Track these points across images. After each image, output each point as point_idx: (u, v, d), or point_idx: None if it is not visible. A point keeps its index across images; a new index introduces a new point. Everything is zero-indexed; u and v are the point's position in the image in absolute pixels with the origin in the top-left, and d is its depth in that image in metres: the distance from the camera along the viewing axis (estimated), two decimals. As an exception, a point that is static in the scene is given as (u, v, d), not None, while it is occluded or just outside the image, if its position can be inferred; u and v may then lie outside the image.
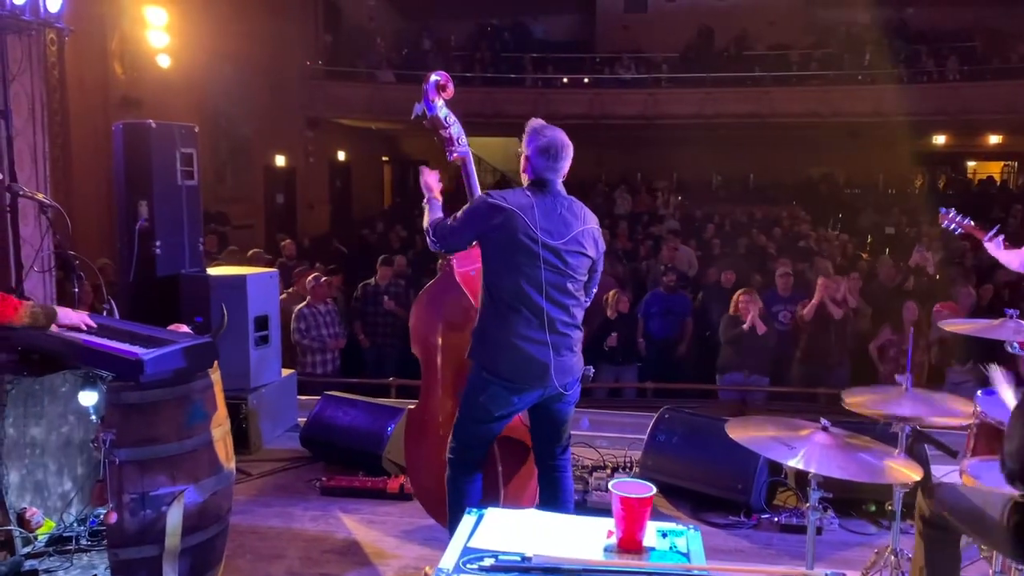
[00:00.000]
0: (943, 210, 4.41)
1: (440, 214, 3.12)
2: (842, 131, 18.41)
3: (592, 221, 3.07)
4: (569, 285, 2.97)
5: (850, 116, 17.15)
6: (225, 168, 13.62)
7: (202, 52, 11.16)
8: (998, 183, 21.73)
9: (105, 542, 3.14)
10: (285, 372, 5.36)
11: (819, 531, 3.50)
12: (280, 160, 16.08)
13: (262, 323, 5.01)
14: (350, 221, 17.59)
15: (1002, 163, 22.80)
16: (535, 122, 3.03)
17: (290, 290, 7.60)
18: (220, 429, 3.16)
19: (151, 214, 4.72)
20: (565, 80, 18.73)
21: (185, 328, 3.38)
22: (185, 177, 4.90)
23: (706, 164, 20.09)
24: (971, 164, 23.06)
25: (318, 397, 4.99)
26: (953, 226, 4.33)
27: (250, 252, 8.36)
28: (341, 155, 19.29)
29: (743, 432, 2.69)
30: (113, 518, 2.79)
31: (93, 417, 3.43)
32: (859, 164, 19.93)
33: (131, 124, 4.85)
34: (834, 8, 20.48)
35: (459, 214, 3.01)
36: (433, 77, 3.22)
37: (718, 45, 19.57)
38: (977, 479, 2.63)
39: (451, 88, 3.23)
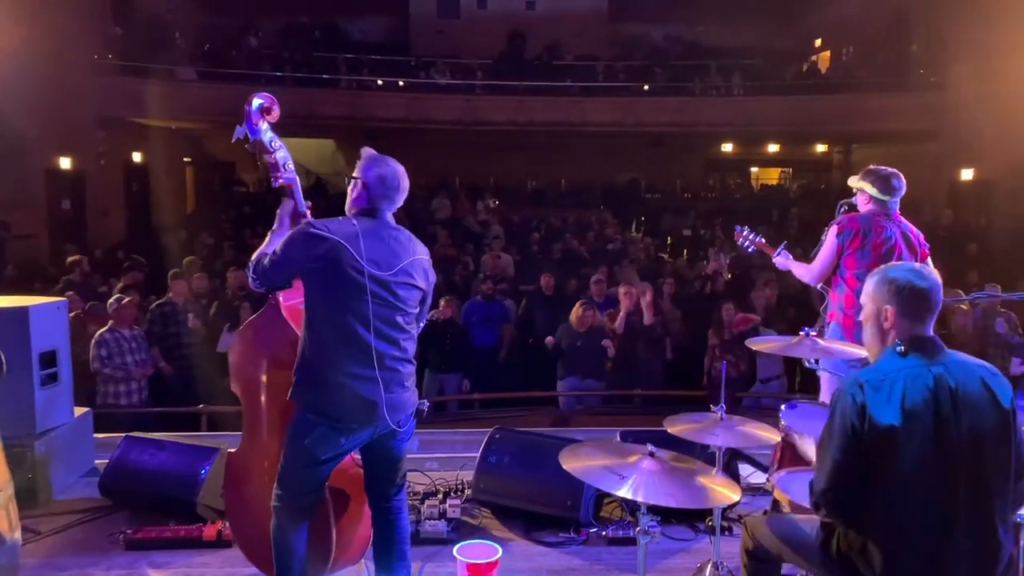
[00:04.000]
0: (737, 228, 4.74)
1: (272, 247, 2.87)
2: (644, 139, 19.62)
3: (422, 252, 3.00)
4: (399, 319, 2.87)
5: (651, 125, 18.34)
6: (-5, 172, 12.09)
7: (-37, 41, 9.83)
8: (776, 188, 24.18)
9: None
10: (79, 411, 4.82)
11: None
12: (66, 163, 14.52)
13: (49, 359, 4.47)
14: (149, 228, 16.25)
15: (779, 169, 25.35)
16: (371, 151, 2.95)
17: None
18: (1, 495, 2.78)
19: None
20: (380, 83, 18.45)
21: (-49, 378, 2.95)
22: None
23: (522, 170, 20.64)
24: (754, 170, 25.41)
25: (121, 435, 4.53)
26: (747, 243, 4.67)
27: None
28: (137, 157, 17.78)
29: (575, 463, 2.74)
30: None
31: None
32: (659, 170, 21.31)
33: None
34: (635, 23, 21.81)
35: (278, 247, 2.83)
36: (256, 100, 3.01)
37: (529, 54, 20.14)
38: (785, 491, 2.85)
39: (276, 111, 3.05)
